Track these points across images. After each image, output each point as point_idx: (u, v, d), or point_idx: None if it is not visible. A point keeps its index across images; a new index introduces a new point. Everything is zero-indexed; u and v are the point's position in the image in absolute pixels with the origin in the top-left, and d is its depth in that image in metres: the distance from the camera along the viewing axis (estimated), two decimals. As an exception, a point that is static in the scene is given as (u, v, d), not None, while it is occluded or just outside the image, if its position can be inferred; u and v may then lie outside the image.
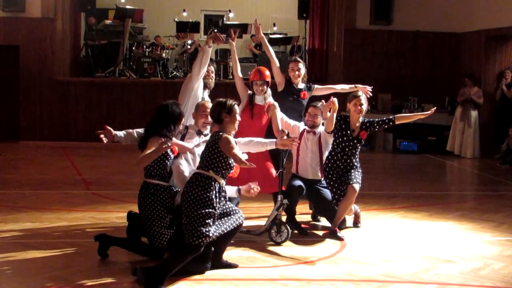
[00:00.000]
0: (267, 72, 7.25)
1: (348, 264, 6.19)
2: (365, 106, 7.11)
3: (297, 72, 7.70)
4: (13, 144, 14.51)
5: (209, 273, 5.78)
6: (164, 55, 16.63)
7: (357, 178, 7.10)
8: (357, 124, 7.12)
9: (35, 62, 15.09)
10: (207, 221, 5.49)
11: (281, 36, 17.67)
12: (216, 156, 5.60)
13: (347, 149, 7.14)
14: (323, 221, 7.77)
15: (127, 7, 16.60)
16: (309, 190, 7.30)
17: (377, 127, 7.19)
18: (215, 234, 5.56)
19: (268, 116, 7.09)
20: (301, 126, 7.43)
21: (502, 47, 15.09)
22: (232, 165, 5.68)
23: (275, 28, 18.71)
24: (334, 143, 7.20)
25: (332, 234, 7.16)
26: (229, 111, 5.74)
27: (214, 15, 19.41)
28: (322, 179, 7.37)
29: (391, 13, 16.00)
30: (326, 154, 7.36)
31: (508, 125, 13.68)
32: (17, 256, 6.13)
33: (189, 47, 17.05)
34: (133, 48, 16.52)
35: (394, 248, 6.82)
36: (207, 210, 5.50)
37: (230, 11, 18.53)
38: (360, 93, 7.16)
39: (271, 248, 6.67)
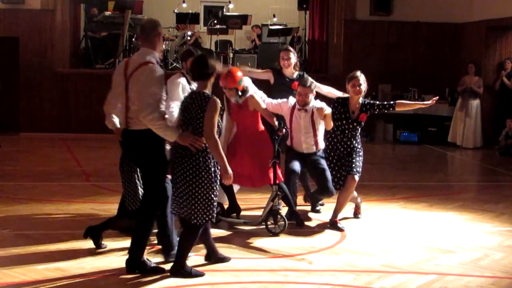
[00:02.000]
0: (233, 77, 6.79)
1: (348, 254, 6.20)
2: (364, 87, 7.01)
3: (287, 61, 7.68)
4: (13, 136, 14.50)
5: (209, 264, 5.79)
6: (164, 46, 16.58)
7: (357, 167, 7.06)
8: (357, 106, 7.03)
9: (35, 54, 15.05)
10: (213, 197, 5.38)
11: (281, 27, 17.61)
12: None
13: (347, 132, 7.09)
14: (321, 214, 7.77)
15: (127, -2, 16.55)
16: (306, 164, 7.27)
17: (377, 110, 7.11)
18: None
19: (251, 110, 6.98)
20: (290, 100, 7.34)
21: (502, 37, 15.05)
22: (221, 126, 5.46)
23: (275, 19, 18.65)
24: (335, 126, 7.12)
25: (332, 225, 7.16)
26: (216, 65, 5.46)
27: (214, 6, 19.35)
28: (318, 150, 7.30)
29: (391, 4, 15.95)
30: (320, 128, 7.29)
31: (508, 116, 13.68)
32: (18, 247, 6.14)
33: (189, 38, 17.01)
34: (133, 39, 16.46)
35: (394, 238, 6.83)
36: (211, 186, 5.35)
37: (229, 2, 18.48)
38: (358, 73, 7.04)
39: (271, 239, 6.67)
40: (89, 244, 6.26)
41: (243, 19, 16.86)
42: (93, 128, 14.03)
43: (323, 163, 7.20)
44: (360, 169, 7.12)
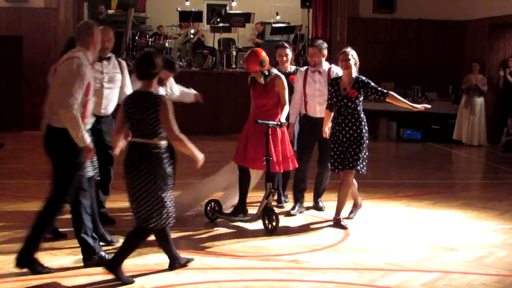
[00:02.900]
0: (254, 61, 7.08)
1: (351, 252, 6.20)
2: (352, 61, 6.96)
3: (284, 58, 7.79)
4: (17, 134, 14.52)
5: (213, 262, 5.81)
6: (167, 44, 16.59)
7: (355, 161, 6.94)
8: (349, 83, 6.96)
9: (39, 52, 15.05)
10: (167, 201, 5.21)
11: (284, 25, 17.62)
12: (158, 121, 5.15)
13: (342, 110, 7.00)
14: (324, 213, 7.77)
15: (130, -4, 16.57)
16: (318, 135, 7.40)
17: (369, 91, 7.01)
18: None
19: (276, 91, 7.12)
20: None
21: (506, 35, 15.04)
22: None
23: (278, 17, 18.66)
24: (335, 107, 7.09)
25: (336, 223, 7.16)
26: (161, 64, 5.33)
27: (217, 4, 19.35)
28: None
29: (394, 1, 15.95)
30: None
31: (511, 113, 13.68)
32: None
33: (192, 36, 17.02)
34: (136, 37, 16.49)
35: (398, 236, 6.83)
36: (166, 189, 5.21)
37: (232, 0, 18.49)
38: (347, 48, 7.06)
39: (274, 237, 6.68)
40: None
41: (246, 17, 16.86)
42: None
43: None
44: (361, 162, 6.99)
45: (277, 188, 7.33)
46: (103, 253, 5.64)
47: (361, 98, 7.01)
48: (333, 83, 7.08)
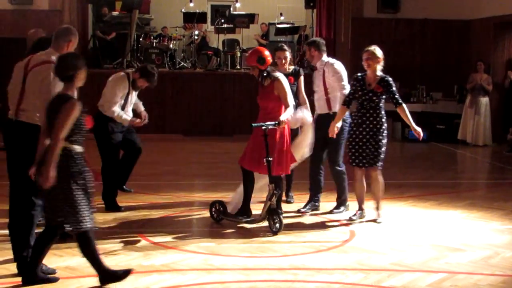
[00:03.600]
0: (252, 55, 7.11)
1: (357, 253, 6.20)
2: (374, 60, 7.16)
3: (283, 60, 7.78)
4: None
5: (219, 263, 5.81)
6: (171, 46, 16.61)
7: (377, 157, 7.20)
8: (375, 79, 7.17)
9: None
10: (82, 204, 5.06)
11: (288, 25, 17.63)
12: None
13: (365, 103, 7.19)
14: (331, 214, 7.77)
15: (134, -2, 16.60)
16: (324, 131, 7.46)
17: (389, 94, 7.20)
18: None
19: (275, 94, 7.05)
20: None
21: (511, 34, 14.99)
22: (84, 125, 5.10)
23: (282, 18, 18.68)
24: (357, 102, 7.30)
25: (374, 220, 7.40)
26: (82, 66, 5.13)
27: (221, 5, 19.40)
28: (332, 112, 7.54)
29: (398, 1, 15.94)
30: (334, 89, 7.56)
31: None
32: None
33: (196, 37, 17.04)
34: (141, 39, 16.52)
35: (404, 237, 6.82)
36: (78, 190, 5.06)
37: (237, 1, 18.54)
38: (371, 47, 7.25)
39: (280, 237, 6.68)
40: (99, 243, 6.27)
41: (250, 18, 16.88)
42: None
43: (340, 136, 7.43)
44: (381, 157, 7.24)
45: (280, 189, 7.29)
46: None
47: (385, 96, 7.21)
48: (358, 78, 7.25)
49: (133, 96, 7.89)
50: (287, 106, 7.03)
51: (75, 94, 5.17)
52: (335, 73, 7.57)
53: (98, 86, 14.94)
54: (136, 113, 8.04)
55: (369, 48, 7.24)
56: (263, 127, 6.82)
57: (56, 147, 4.92)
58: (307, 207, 7.82)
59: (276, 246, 6.38)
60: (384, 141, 7.22)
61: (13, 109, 5.59)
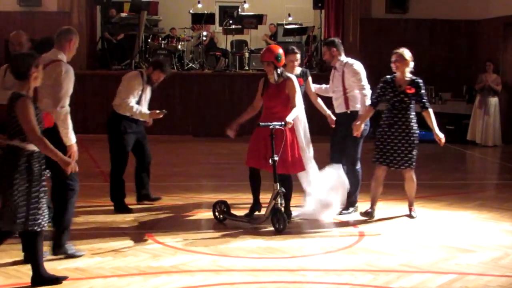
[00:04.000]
0: (271, 51, 7.17)
1: (366, 254, 6.18)
2: (402, 63, 7.37)
3: (296, 63, 7.75)
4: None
5: (228, 264, 5.80)
6: (179, 47, 16.63)
7: (411, 159, 7.35)
8: (405, 81, 7.32)
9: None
10: (36, 203, 5.06)
11: (296, 26, 17.61)
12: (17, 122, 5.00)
13: (396, 104, 7.30)
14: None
15: (142, -1, 16.64)
16: (338, 130, 7.65)
17: (418, 97, 7.34)
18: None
19: (286, 92, 7.12)
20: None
21: (520, 34, 14.93)
22: (39, 122, 5.09)
23: (290, 19, 18.66)
24: (387, 104, 7.40)
25: (408, 215, 7.60)
26: (37, 64, 5.12)
27: (229, 6, 19.40)
28: (349, 112, 7.57)
29: (407, 1, 15.90)
30: (352, 89, 7.59)
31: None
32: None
33: (204, 38, 17.04)
34: (149, 40, 16.55)
35: (413, 238, 6.80)
36: (32, 190, 5.04)
37: (245, 1, 18.51)
38: (400, 50, 7.46)
39: (289, 238, 6.67)
40: (108, 244, 6.29)
41: (258, 19, 16.87)
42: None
43: (358, 137, 7.47)
44: (414, 158, 7.40)
45: (289, 189, 7.29)
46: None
47: (414, 97, 7.34)
48: (388, 80, 7.39)
49: (147, 94, 7.95)
50: (294, 106, 7.10)
51: (30, 93, 5.13)
52: (355, 74, 7.59)
53: (107, 87, 15.08)
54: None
55: (398, 51, 7.44)
56: (270, 127, 6.84)
57: (45, 144, 5.00)
58: (350, 210, 7.82)
59: (285, 247, 6.37)
60: (416, 141, 7.36)
61: None
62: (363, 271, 5.67)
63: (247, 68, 16.12)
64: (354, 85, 7.58)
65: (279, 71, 7.13)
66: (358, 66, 7.67)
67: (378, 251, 6.27)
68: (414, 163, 7.41)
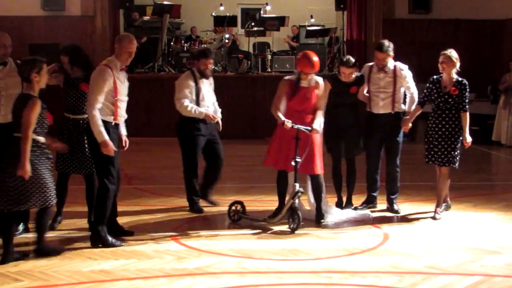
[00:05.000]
0: (302, 61, 7.21)
1: (391, 256, 6.15)
2: (448, 63, 7.52)
3: (350, 75, 7.67)
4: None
5: (252, 266, 5.80)
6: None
7: (453, 158, 7.51)
8: (450, 82, 7.45)
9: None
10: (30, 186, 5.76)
11: (318, 28, 17.59)
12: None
13: (441, 105, 7.44)
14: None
15: (165, 2, 16.70)
16: (383, 131, 7.75)
17: (460, 98, 7.41)
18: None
19: (316, 93, 7.19)
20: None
21: (545, 33, 14.79)
22: (45, 119, 5.91)
23: (312, 20, 18.63)
24: (433, 103, 7.56)
25: (446, 207, 7.78)
26: (39, 70, 5.84)
27: (251, 9, 19.43)
28: (395, 112, 7.73)
29: (430, 2, 15.81)
30: (399, 91, 7.77)
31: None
32: (63, 250, 6.23)
33: (226, 41, 17.08)
34: (171, 43, 16.62)
35: (438, 239, 6.75)
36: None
37: (267, 4, 18.51)
38: (447, 51, 7.63)
39: (313, 240, 6.66)
40: (132, 246, 6.33)
41: (280, 21, 16.87)
42: (133, 132, 14.13)
43: (400, 136, 7.76)
44: (456, 158, 7.55)
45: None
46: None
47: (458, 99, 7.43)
48: (434, 81, 7.55)
49: (206, 91, 7.96)
50: (319, 108, 7.20)
51: (36, 94, 5.88)
52: (406, 77, 7.77)
53: (130, 90, 15.15)
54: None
55: (445, 52, 7.59)
56: (295, 128, 6.96)
57: (25, 141, 5.69)
58: (363, 206, 7.93)
59: (310, 249, 6.36)
60: (459, 140, 7.49)
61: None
62: (388, 273, 5.64)
63: (269, 70, 16.12)
64: (403, 87, 7.78)
65: (310, 76, 7.18)
66: (407, 69, 7.88)
67: (403, 253, 6.23)
68: (455, 163, 7.54)
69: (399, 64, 7.83)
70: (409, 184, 9.12)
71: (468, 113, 7.48)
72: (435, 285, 5.36)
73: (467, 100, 7.48)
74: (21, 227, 6.64)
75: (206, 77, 7.94)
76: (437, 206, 7.64)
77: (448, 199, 7.93)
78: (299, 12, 18.92)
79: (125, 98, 6.74)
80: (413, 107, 7.73)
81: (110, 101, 6.40)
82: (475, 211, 8.03)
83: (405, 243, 6.57)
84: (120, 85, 6.53)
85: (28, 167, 5.65)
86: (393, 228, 7.19)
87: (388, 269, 5.76)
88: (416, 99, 7.76)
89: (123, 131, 6.82)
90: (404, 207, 7.78)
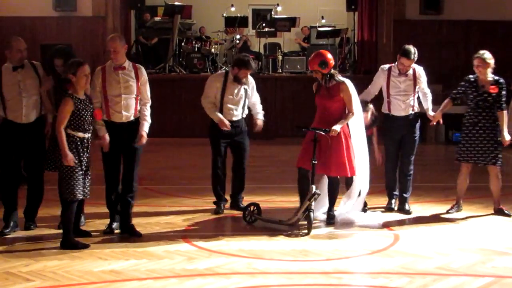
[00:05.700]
0: (314, 60, 7.21)
1: (402, 257, 6.13)
2: (484, 66, 7.65)
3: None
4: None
5: (262, 266, 5.81)
6: (213, 50, 16.70)
7: (497, 156, 7.70)
8: (487, 81, 7.61)
9: (87, 60, 15.06)
10: (75, 176, 6.32)
11: (329, 29, 17.57)
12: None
13: (480, 103, 7.60)
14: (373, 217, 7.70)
15: (176, 3, 16.73)
16: (403, 131, 7.87)
17: (498, 97, 7.58)
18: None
19: (340, 96, 7.18)
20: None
21: (557, 34, 14.70)
22: (84, 116, 6.31)
23: (323, 21, 18.61)
24: (470, 102, 7.71)
25: (498, 211, 7.85)
26: (74, 72, 6.35)
27: (262, 9, 19.42)
28: (412, 112, 7.87)
29: (441, 3, 15.74)
30: (416, 93, 7.92)
31: None
32: (74, 250, 6.25)
33: (237, 42, 17.09)
34: (183, 44, 16.64)
35: (449, 240, 6.73)
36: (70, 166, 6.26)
37: (278, 4, 18.52)
38: (481, 52, 7.77)
39: (323, 241, 6.66)
40: (143, 247, 6.34)
41: (291, 22, 16.86)
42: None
43: (417, 135, 7.94)
44: (499, 156, 7.73)
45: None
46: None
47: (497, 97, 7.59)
48: (471, 80, 7.73)
49: (235, 93, 7.91)
50: (350, 110, 7.16)
51: (78, 93, 6.37)
52: (424, 79, 7.99)
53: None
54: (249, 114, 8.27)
55: (478, 55, 7.73)
56: (316, 131, 7.00)
57: (59, 135, 6.19)
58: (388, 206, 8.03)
59: (320, 249, 6.36)
60: (500, 138, 7.63)
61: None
62: (398, 274, 5.64)
63: (280, 71, 16.11)
64: (420, 89, 7.94)
65: (327, 76, 7.17)
66: (424, 72, 8.06)
67: (414, 254, 6.22)
68: (499, 161, 7.73)
69: (416, 67, 7.96)
70: (420, 185, 9.08)
71: (505, 112, 7.62)
72: (445, 286, 5.35)
73: (504, 99, 7.61)
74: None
75: (240, 83, 7.88)
76: (498, 204, 7.91)
77: (461, 201, 7.98)
78: (310, 13, 18.91)
79: (123, 96, 6.91)
80: (430, 103, 7.95)
81: (101, 99, 6.82)
82: (486, 212, 8.00)
83: (416, 244, 6.56)
84: (110, 83, 6.86)
85: (69, 155, 6.17)
86: (404, 229, 7.18)
87: (399, 270, 5.75)
88: (431, 98, 7.97)
89: (143, 128, 7.12)
90: (414, 207, 7.76)
